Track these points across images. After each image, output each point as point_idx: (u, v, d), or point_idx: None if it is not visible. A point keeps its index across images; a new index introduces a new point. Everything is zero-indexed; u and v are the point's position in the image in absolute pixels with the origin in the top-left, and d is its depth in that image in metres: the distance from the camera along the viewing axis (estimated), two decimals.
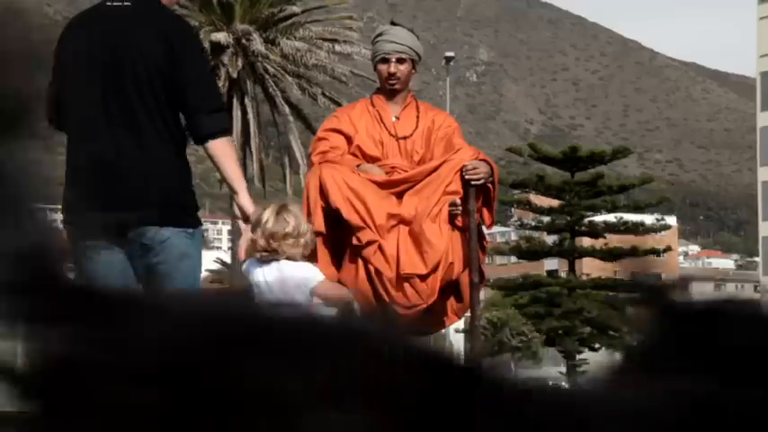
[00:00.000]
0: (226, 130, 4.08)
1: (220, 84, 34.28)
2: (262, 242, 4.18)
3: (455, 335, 64.30)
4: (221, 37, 33.82)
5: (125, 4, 4.08)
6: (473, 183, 4.87)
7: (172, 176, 4.04)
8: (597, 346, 52.93)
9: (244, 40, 34.36)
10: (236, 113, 34.57)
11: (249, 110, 34.74)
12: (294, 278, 4.16)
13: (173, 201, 4.03)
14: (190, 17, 34.64)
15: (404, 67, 5.17)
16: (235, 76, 33.89)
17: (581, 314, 50.80)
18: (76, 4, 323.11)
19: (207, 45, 34.08)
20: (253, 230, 4.21)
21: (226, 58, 34.03)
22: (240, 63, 33.87)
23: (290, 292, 4.10)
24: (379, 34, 5.25)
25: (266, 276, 4.20)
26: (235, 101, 34.67)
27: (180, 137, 4.09)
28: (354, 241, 4.79)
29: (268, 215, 4.19)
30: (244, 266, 4.33)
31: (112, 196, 3.92)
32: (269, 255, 4.19)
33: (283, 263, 4.20)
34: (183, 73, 3.97)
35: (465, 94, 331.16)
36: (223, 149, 4.04)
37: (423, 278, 4.79)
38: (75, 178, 4.00)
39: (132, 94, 3.98)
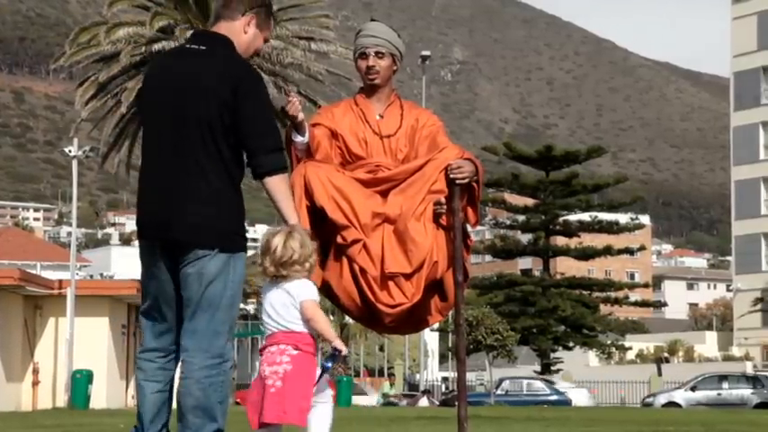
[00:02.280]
0: (282, 169, 4.43)
1: None
2: (271, 269, 4.48)
3: (430, 333, 64.39)
4: None
5: (201, 48, 4.60)
6: (458, 182, 4.86)
7: (220, 206, 4.42)
8: (571, 344, 53.11)
9: None
10: None
11: None
12: (290, 294, 4.47)
13: (218, 227, 4.41)
14: (165, 15, 34.53)
15: (383, 62, 5.12)
16: None
17: (555, 313, 50.95)
18: (49, 1, 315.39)
19: (182, 43, 34.00)
20: (262, 256, 4.52)
21: None
22: None
23: (287, 307, 4.47)
24: (359, 31, 5.23)
25: (272, 298, 4.51)
26: None
27: (235, 172, 4.47)
28: (339, 240, 4.77)
29: (276, 243, 4.47)
30: (262, 287, 4.65)
31: (164, 220, 4.43)
32: (277, 279, 4.52)
33: (287, 283, 4.48)
34: (245, 116, 4.42)
35: (440, 93, 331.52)
36: (278, 186, 4.40)
37: (407, 277, 4.77)
38: (138, 201, 4.59)
39: (194, 130, 4.45)
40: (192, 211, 4.39)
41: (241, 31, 4.64)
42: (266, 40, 4.82)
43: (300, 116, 4.84)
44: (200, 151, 4.43)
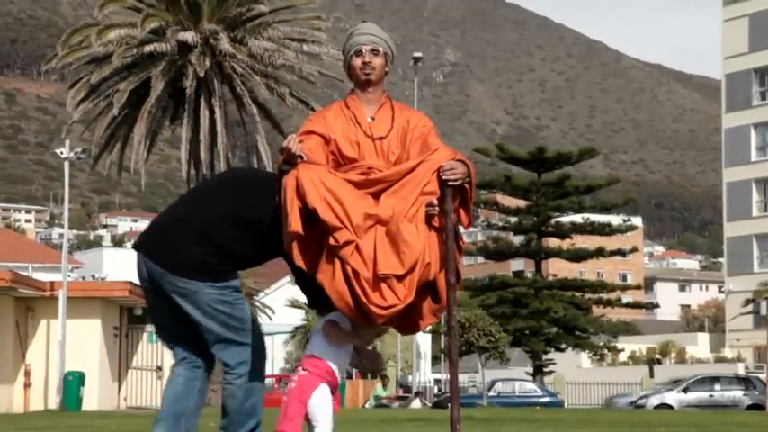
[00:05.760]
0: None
1: (187, 83, 34.15)
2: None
3: (422, 335, 64.31)
4: (189, 36, 33.66)
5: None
6: (450, 183, 4.86)
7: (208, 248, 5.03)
8: (564, 346, 53.13)
9: (211, 40, 34.22)
10: (204, 113, 34.43)
11: (216, 109, 34.59)
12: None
13: (200, 261, 5.01)
14: (157, 17, 34.47)
15: (378, 60, 5.13)
16: (202, 75, 33.73)
17: (547, 314, 50.96)
18: (40, 2, 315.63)
19: (174, 44, 33.95)
20: None
21: (193, 58, 33.86)
22: (208, 62, 33.71)
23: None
24: (351, 33, 5.23)
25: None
26: (202, 100, 34.53)
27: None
28: (331, 241, 4.76)
29: None
30: None
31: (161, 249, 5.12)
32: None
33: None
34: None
35: (431, 95, 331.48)
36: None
37: (400, 278, 4.77)
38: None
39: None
40: None
41: None
42: None
43: (299, 154, 4.86)
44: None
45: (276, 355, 52.08)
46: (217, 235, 4.98)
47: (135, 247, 5.28)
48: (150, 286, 5.13)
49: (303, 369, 4.86)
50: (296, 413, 4.81)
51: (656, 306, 76.72)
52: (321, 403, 4.85)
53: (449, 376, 5.11)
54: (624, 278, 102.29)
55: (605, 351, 56.66)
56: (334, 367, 4.90)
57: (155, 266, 5.05)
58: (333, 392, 4.91)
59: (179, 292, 5.01)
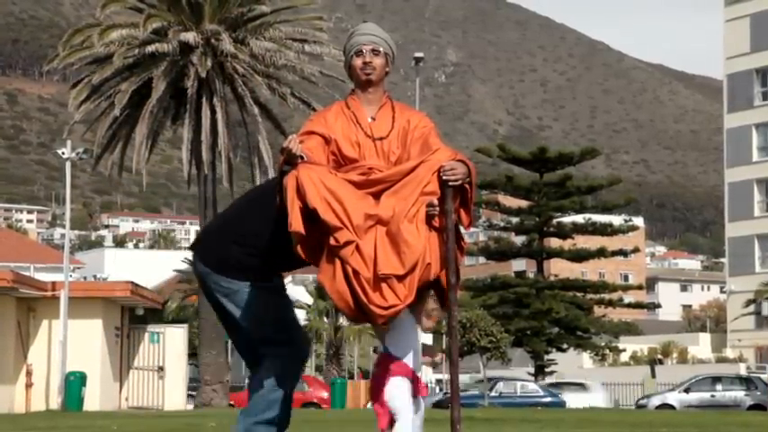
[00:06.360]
0: None
1: (189, 83, 34.15)
2: None
3: (423, 335, 64.27)
4: (190, 37, 33.67)
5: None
6: (450, 183, 4.86)
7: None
8: (565, 346, 53.12)
9: (213, 40, 34.23)
10: (205, 113, 34.43)
11: (218, 110, 34.60)
12: None
13: (240, 261, 5.10)
14: (158, 17, 34.48)
15: (379, 60, 5.13)
16: (204, 75, 33.74)
17: (549, 314, 50.94)
18: (42, 2, 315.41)
19: (176, 45, 33.95)
20: None
21: (195, 58, 33.87)
22: (209, 63, 33.72)
23: None
24: (352, 33, 5.23)
25: None
26: (204, 101, 34.54)
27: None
28: (332, 241, 4.76)
29: None
30: None
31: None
32: None
33: None
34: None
35: (433, 95, 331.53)
36: None
37: (400, 278, 4.77)
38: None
39: None
40: None
41: None
42: None
43: (299, 155, 4.86)
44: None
45: None
46: (257, 236, 5.04)
47: (190, 247, 5.51)
48: (203, 287, 5.25)
49: (376, 367, 5.07)
50: (381, 412, 5.00)
51: (658, 306, 76.68)
52: (397, 396, 4.97)
53: (450, 376, 5.13)
54: (626, 278, 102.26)
55: (607, 351, 56.64)
56: (407, 358, 5.03)
57: (202, 266, 5.15)
58: (411, 381, 5.03)
59: (222, 292, 5.09)
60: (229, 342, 59.98)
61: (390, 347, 5.03)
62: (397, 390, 4.96)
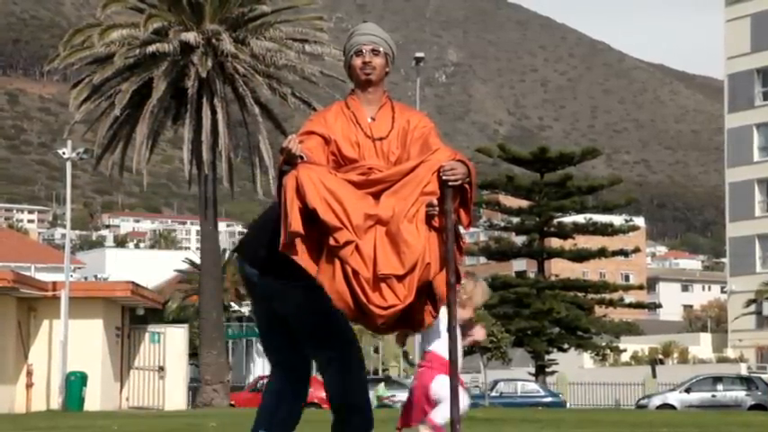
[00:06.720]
0: None
1: (189, 83, 34.16)
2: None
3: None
4: (191, 37, 33.68)
5: None
6: (450, 183, 4.86)
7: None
8: (566, 346, 53.11)
9: (213, 40, 34.24)
10: (206, 113, 34.44)
11: (218, 110, 34.61)
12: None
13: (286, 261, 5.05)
14: (159, 17, 34.48)
15: (379, 60, 5.13)
16: (204, 75, 33.75)
17: (550, 314, 50.94)
18: (43, 2, 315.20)
19: (176, 45, 33.95)
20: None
21: (195, 58, 33.88)
22: (210, 63, 33.74)
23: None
24: (352, 33, 5.23)
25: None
26: (204, 101, 34.54)
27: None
28: (331, 242, 4.76)
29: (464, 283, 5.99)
30: None
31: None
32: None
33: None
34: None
35: (434, 95, 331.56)
36: None
37: (400, 278, 4.77)
38: None
39: None
40: None
41: None
42: None
43: (299, 155, 4.85)
44: None
45: None
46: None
47: (234, 249, 5.61)
48: (248, 288, 5.28)
49: (420, 366, 5.74)
50: (419, 402, 5.70)
51: (659, 306, 76.70)
52: (441, 389, 5.61)
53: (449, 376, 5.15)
54: (626, 278, 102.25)
55: (608, 351, 56.63)
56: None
57: (248, 267, 5.19)
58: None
59: (267, 292, 5.13)
60: (230, 342, 59.95)
61: (431, 346, 5.83)
62: (444, 386, 5.50)
